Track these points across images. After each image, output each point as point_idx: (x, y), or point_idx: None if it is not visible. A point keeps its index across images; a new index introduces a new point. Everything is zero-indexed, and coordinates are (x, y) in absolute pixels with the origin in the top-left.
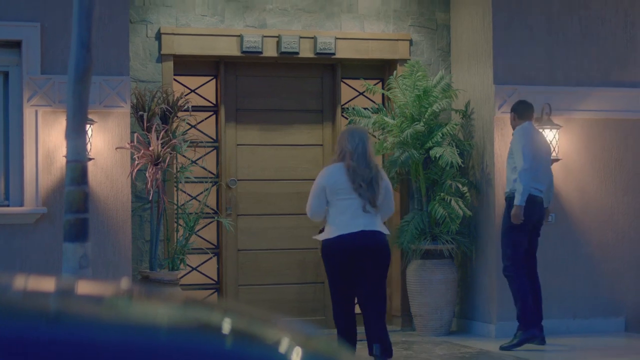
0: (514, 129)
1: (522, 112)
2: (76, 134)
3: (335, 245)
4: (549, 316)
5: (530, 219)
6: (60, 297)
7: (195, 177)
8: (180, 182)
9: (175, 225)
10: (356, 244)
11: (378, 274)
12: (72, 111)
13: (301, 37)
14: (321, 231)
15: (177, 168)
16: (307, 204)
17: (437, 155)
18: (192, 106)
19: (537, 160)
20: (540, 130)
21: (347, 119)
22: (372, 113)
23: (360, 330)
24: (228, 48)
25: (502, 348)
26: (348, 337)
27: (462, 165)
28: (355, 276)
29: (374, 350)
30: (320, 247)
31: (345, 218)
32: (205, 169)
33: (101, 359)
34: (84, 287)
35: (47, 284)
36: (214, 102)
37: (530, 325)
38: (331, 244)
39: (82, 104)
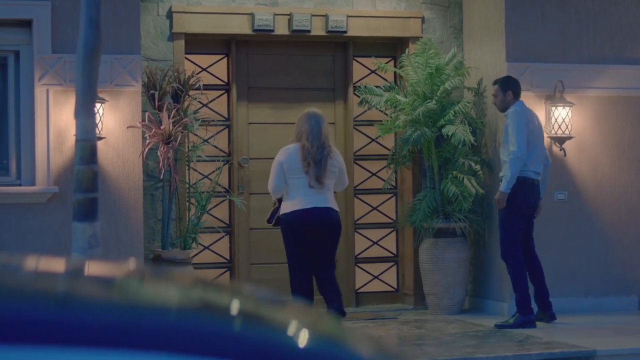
0: (501, 108)
1: (517, 89)
2: (85, 113)
3: (292, 219)
4: (561, 294)
5: (528, 202)
6: (63, 278)
7: (207, 156)
8: (192, 161)
9: (187, 204)
10: (310, 219)
11: (329, 248)
12: (81, 90)
13: (313, 15)
14: (273, 212)
15: (188, 147)
16: (268, 182)
17: (450, 134)
18: (204, 85)
19: (533, 143)
20: (553, 107)
21: (359, 97)
22: (384, 91)
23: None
24: (239, 26)
25: (496, 325)
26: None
27: (475, 143)
28: (310, 249)
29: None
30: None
31: (299, 195)
32: (217, 148)
33: (104, 341)
34: (88, 268)
35: (51, 265)
36: (226, 81)
37: (529, 311)
38: (288, 219)
39: (91, 83)
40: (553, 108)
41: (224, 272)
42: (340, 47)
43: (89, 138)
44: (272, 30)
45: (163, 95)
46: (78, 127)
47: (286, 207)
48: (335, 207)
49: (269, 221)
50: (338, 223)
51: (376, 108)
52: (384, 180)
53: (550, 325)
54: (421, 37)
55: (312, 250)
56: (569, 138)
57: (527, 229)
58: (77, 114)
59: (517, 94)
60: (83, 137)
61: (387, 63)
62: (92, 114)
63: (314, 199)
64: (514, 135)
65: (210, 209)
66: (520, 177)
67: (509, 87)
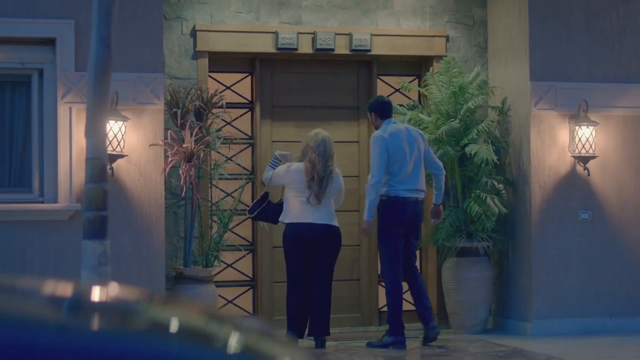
0: (376, 128)
1: (382, 111)
2: (95, 131)
3: (289, 234)
4: (585, 314)
5: (400, 220)
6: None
7: (230, 174)
8: (214, 179)
9: (210, 221)
10: (306, 234)
11: (323, 264)
12: (92, 109)
13: (337, 34)
14: (255, 204)
15: (211, 165)
16: (266, 173)
17: (473, 153)
18: (228, 103)
19: (400, 162)
20: (577, 127)
21: None
22: (408, 110)
23: None
24: (263, 45)
25: (368, 344)
26: (297, 324)
27: (498, 163)
28: (307, 264)
29: (316, 344)
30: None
31: (298, 210)
32: (241, 166)
33: None
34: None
35: (44, 289)
36: (250, 99)
37: (398, 331)
38: (287, 233)
39: (101, 102)
40: (577, 127)
41: (247, 290)
42: (364, 65)
43: (99, 157)
44: (296, 49)
45: (186, 113)
46: (88, 146)
47: (285, 217)
48: (333, 223)
49: (249, 211)
50: (335, 238)
51: None
52: None
53: (570, 346)
54: (445, 56)
55: (308, 265)
56: (593, 157)
57: (406, 247)
58: (87, 133)
59: (381, 115)
60: (93, 155)
61: (411, 82)
62: (103, 133)
63: (312, 216)
64: (372, 163)
65: (232, 227)
66: (391, 197)
67: (372, 109)
